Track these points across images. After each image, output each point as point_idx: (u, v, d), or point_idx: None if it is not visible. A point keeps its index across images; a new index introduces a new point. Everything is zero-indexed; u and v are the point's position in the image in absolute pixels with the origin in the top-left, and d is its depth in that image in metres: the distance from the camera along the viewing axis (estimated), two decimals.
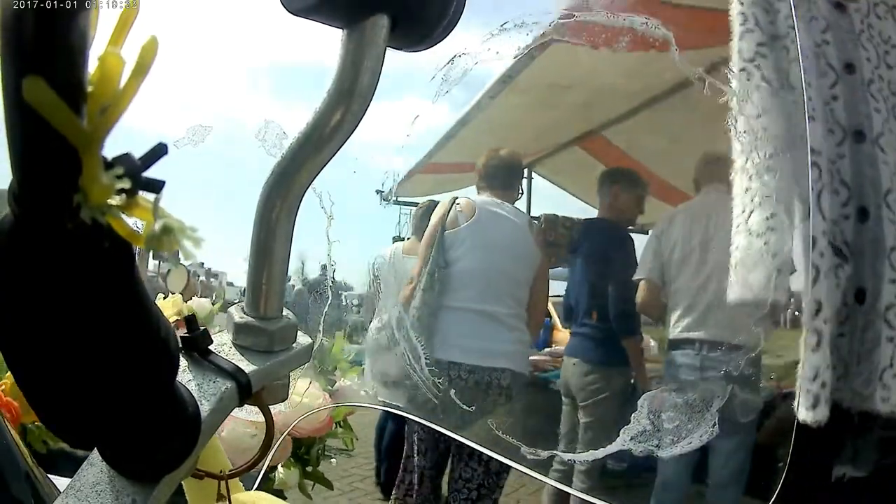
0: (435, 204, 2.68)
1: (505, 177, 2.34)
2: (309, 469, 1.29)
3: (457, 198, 2.50)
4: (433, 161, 3.60)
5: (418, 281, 2.10)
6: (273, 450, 1.15)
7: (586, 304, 2.66)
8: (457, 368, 1.98)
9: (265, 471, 1.14)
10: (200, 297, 1.41)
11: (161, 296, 1.20)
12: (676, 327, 2.25)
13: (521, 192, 2.55)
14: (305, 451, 1.28)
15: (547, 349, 4.88)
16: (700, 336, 2.16)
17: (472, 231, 2.10)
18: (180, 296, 1.16)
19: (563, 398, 2.62)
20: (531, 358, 3.40)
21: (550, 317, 6.35)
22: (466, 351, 2.01)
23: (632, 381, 2.50)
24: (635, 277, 2.39)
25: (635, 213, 2.72)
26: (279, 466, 1.21)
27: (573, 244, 2.98)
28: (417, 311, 2.04)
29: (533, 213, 4.84)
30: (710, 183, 2.24)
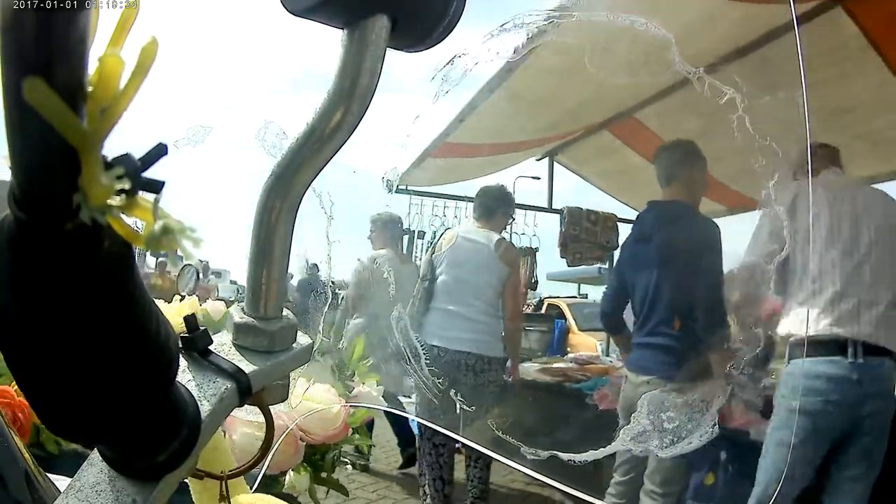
0: (390, 215, 3.68)
1: (486, 208, 3.00)
2: (323, 475, 1.27)
3: (448, 229, 3.57)
4: (448, 141, 3.34)
5: (416, 291, 2.92)
6: (274, 450, 1.15)
7: (664, 309, 2.07)
8: (436, 349, 2.74)
9: (275, 474, 1.14)
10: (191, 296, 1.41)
11: (178, 298, 1.19)
12: (820, 321, 1.68)
13: (511, 217, 3.24)
14: (320, 458, 1.26)
15: (570, 356, 4.50)
16: (854, 334, 1.62)
17: (449, 254, 2.95)
18: (196, 298, 1.16)
19: (620, 420, 2.12)
20: (555, 366, 3.74)
21: (564, 318, 6.14)
22: (441, 338, 2.80)
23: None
24: (746, 263, 1.84)
25: (702, 193, 2.20)
26: (290, 471, 1.20)
27: (641, 234, 2.32)
28: (414, 312, 2.85)
29: (555, 206, 4.53)
30: (829, 167, 1.89)
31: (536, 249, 4.60)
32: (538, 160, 4.57)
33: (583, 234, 4.29)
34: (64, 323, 0.25)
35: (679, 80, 2.52)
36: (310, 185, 0.36)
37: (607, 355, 4.59)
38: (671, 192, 2.20)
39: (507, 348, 3.03)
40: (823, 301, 1.71)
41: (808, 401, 1.66)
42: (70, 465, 0.37)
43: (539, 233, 4.58)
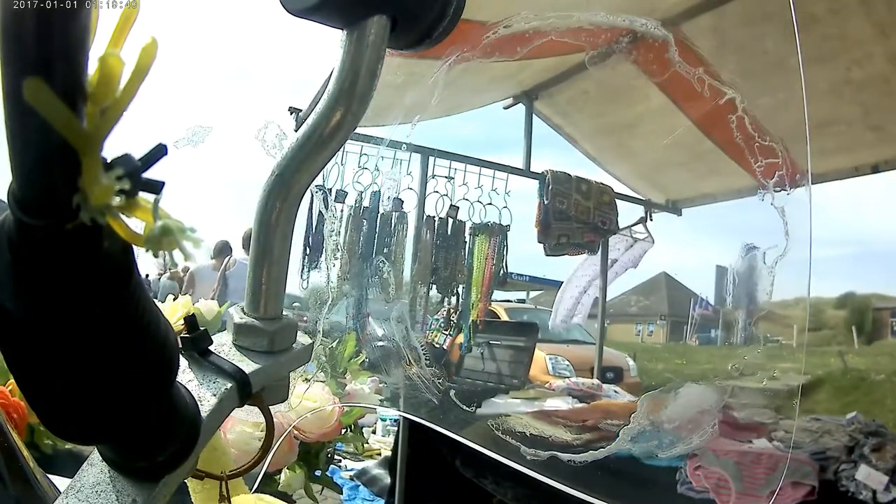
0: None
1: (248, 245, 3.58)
2: (318, 473, 1.28)
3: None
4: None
5: None
6: (274, 450, 1.15)
7: None
8: None
9: (271, 472, 1.14)
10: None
11: (171, 297, 1.20)
12: None
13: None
14: (314, 456, 1.27)
15: (559, 385, 2.79)
16: None
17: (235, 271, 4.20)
18: (189, 297, 1.16)
19: None
20: (550, 405, 2.47)
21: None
22: None
23: None
24: None
25: None
26: (284, 469, 1.20)
27: None
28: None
29: (534, 169, 3.01)
30: None
31: (507, 228, 2.85)
32: (506, 108, 3.00)
33: (571, 210, 2.90)
34: (64, 324, 0.25)
35: None
36: (310, 185, 0.36)
37: (604, 379, 3.07)
38: None
39: None
40: None
41: None
42: (70, 466, 0.37)
43: (512, 204, 2.85)
